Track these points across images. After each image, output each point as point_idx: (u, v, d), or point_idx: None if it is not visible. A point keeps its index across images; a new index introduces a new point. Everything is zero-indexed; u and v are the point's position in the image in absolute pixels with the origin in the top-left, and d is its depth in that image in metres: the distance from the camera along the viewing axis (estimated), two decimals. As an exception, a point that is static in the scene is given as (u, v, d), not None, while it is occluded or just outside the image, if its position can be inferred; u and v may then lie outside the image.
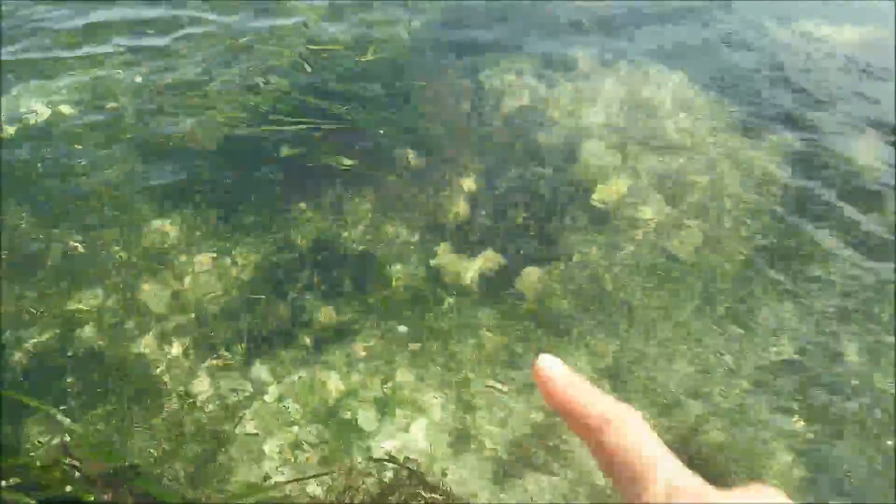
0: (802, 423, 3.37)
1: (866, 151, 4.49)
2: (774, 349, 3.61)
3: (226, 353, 3.58)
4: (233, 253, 4.01)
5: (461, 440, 3.29)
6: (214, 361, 3.55)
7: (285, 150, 4.60)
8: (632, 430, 0.55)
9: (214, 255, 4.00)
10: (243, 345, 3.61)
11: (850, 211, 4.18)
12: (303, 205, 4.30)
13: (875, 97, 4.84)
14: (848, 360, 3.58)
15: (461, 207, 4.31)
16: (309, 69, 5.17)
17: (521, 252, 4.06)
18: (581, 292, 3.85)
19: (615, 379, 3.52)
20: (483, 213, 4.28)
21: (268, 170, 4.51)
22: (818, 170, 4.41)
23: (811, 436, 3.33)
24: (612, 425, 0.55)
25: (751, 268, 3.94)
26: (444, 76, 5.22)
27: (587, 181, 4.44)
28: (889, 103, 4.78)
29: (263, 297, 3.85)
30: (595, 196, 4.34)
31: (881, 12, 5.54)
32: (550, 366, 0.60)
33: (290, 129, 4.70)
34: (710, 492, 0.51)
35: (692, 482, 0.52)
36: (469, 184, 4.45)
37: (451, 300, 3.83)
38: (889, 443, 3.32)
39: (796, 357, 3.58)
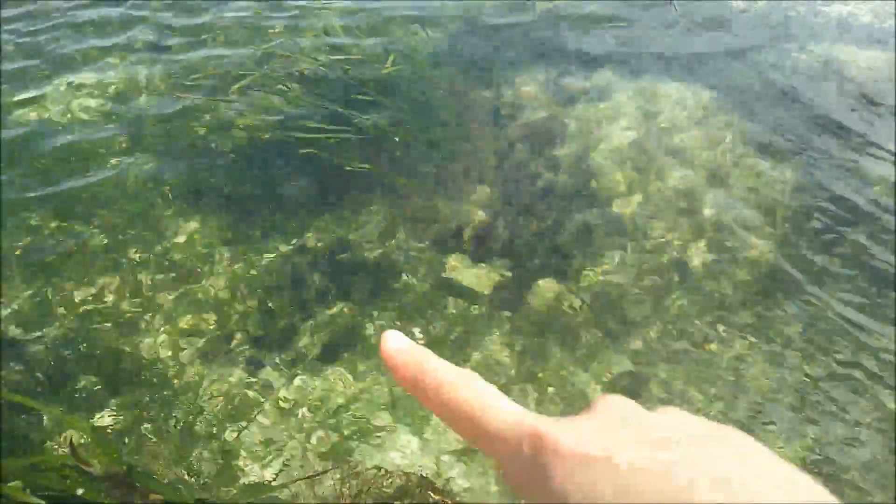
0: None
1: (883, 175, 4.48)
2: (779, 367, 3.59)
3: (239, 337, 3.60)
4: (249, 255, 4.04)
5: (470, 448, 3.28)
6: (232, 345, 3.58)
7: (305, 156, 4.65)
8: (470, 384, 0.56)
9: (231, 256, 4.03)
10: (255, 347, 3.63)
11: (856, 236, 4.16)
12: (320, 209, 4.34)
13: (887, 124, 4.83)
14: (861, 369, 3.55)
15: (476, 217, 4.32)
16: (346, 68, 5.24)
17: (535, 264, 4.07)
18: (594, 307, 3.85)
19: (626, 393, 3.50)
20: (498, 224, 4.29)
21: (287, 175, 4.55)
22: (828, 193, 4.40)
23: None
24: (451, 384, 0.56)
25: (762, 288, 3.93)
26: (464, 88, 5.26)
27: (602, 195, 4.45)
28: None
29: (277, 300, 3.88)
30: (610, 210, 4.35)
31: (878, 35, 5.55)
32: (395, 342, 0.61)
33: (311, 136, 4.75)
34: (561, 421, 0.51)
35: (538, 417, 0.52)
36: (485, 193, 4.47)
37: (462, 310, 3.83)
38: None
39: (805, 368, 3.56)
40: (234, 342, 3.65)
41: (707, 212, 4.31)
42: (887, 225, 4.20)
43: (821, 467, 3.24)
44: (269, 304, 3.84)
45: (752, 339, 3.69)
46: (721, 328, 3.74)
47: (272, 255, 4.05)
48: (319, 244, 4.14)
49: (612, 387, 3.51)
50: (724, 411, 3.43)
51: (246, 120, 4.86)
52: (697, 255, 4.07)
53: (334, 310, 3.82)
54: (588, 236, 4.20)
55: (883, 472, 3.21)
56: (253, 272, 3.97)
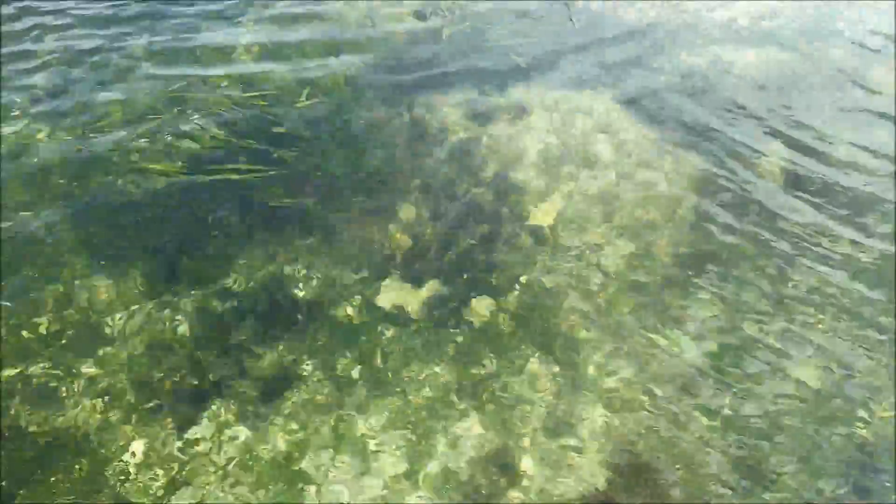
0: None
1: (772, 164, 4.87)
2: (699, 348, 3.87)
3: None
4: (171, 306, 4.02)
5: (419, 480, 3.39)
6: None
7: (225, 196, 4.67)
8: None
9: (153, 308, 4.00)
10: (185, 402, 3.63)
11: (766, 215, 4.52)
12: (245, 250, 4.37)
13: (776, 114, 5.25)
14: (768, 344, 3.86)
15: (406, 240, 4.46)
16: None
17: (467, 279, 4.23)
18: (525, 315, 4.04)
19: (562, 396, 3.70)
20: (428, 244, 4.44)
21: (208, 217, 4.56)
22: (732, 180, 4.75)
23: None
24: None
25: (678, 275, 4.21)
26: (384, 114, 5.40)
27: (526, 206, 4.67)
28: (787, 118, 5.20)
29: (206, 349, 3.88)
30: (533, 220, 4.57)
31: (778, 37, 6.02)
32: None
33: (231, 176, 4.78)
34: None
35: None
36: (414, 216, 4.61)
37: (400, 335, 3.95)
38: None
39: (722, 351, 3.85)
40: (161, 399, 3.62)
41: (620, 212, 4.58)
42: (781, 211, 4.57)
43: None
44: (198, 355, 3.83)
45: (669, 330, 3.96)
46: (646, 316, 4.00)
47: (197, 303, 4.05)
48: (248, 285, 4.17)
49: (549, 392, 3.70)
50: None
51: (160, 164, 4.85)
52: (617, 254, 4.33)
53: (267, 353, 3.85)
54: (513, 248, 4.40)
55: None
56: (177, 322, 3.96)
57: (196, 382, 3.71)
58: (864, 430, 3.58)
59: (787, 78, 5.59)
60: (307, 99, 5.46)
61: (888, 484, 3.41)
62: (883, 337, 3.93)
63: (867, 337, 3.93)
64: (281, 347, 3.87)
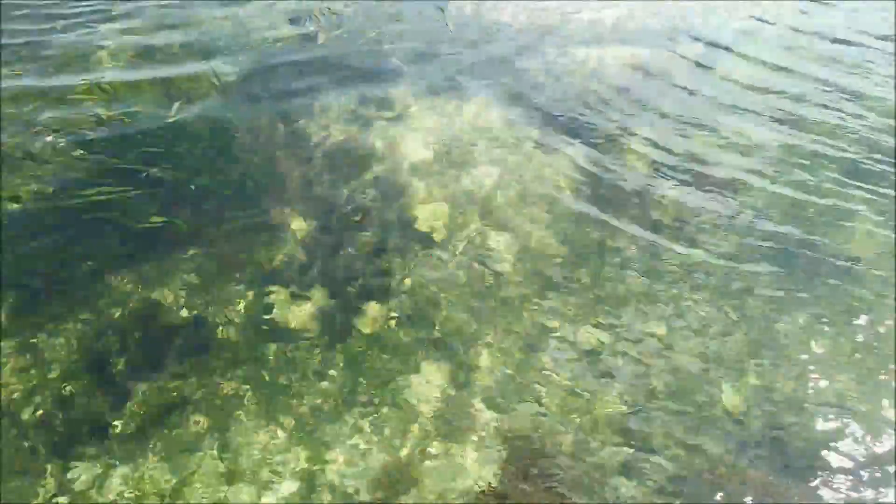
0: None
1: (639, 156, 5.15)
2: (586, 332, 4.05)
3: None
4: (39, 345, 3.77)
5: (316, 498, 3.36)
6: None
7: (94, 219, 4.43)
8: None
9: (16, 350, 3.73)
10: (59, 444, 3.43)
11: (637, 204, 4.77)
12: (119, 276, 4.16)
13: (640, 107, 5.55)
14: (656, 334, 4.09)
15: (292, 252, 4.39)
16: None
17: (356, 287, 4.22)
18: (416, 317, 4.08)
19: (456, 399, 3.76)
20: (315, 254, 4.39)
21: (75, 244, 4.31)
22: (605, 173, 4.98)
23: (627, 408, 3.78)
24: None
25: (560, 268, 4.38)
26: (261, 123, 5.28)
27: (410, 209, 4.70)
28: (650, 111, 5.52)
29: (78, 385, 3.67)
30: (418, 222, 4.61)
31: (639, 36, 6.37)
32: None
33: (97, 198, 4.53)
34: None
35: None
36: (298, 227, 4.54)
37: (289, 349, 3.89)
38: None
39: (613, 339, 4.04)
40: (34, 442, 3.41)
41: (506, 208, 4.71)
42: (650, 199, 4.84)
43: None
44: (70, 391, 3.62)
45: (555, 320, 4.12)
46: (533, 309, 4.13)
47: (67, 337, 3.82)
48: (122, 313, 3.97)
49: (445, 392, 3.75)
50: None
51: (17, 191, 4.53)
52: (504, 250, 4.44)
53: (149, 384, 3.69)
54: (403, 252, 4.42)
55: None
56: (47, 362, 3.72)
57: (72, 419, 3.50)
58: (727, 402, 3.86)
59: (649, 74, 5.92)
60: (178, 112, 5.25)
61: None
62: (748, 314, 4.24)
63: (738, 312, 4.23)
64: (163, 374, 3.72)
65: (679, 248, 4.54)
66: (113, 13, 6.36)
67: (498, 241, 4.52)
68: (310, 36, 6.30)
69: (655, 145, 5.22)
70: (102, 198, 4.52)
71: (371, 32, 6.34)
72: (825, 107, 5.63)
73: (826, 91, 5.81)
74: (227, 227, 4.50)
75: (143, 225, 4.40)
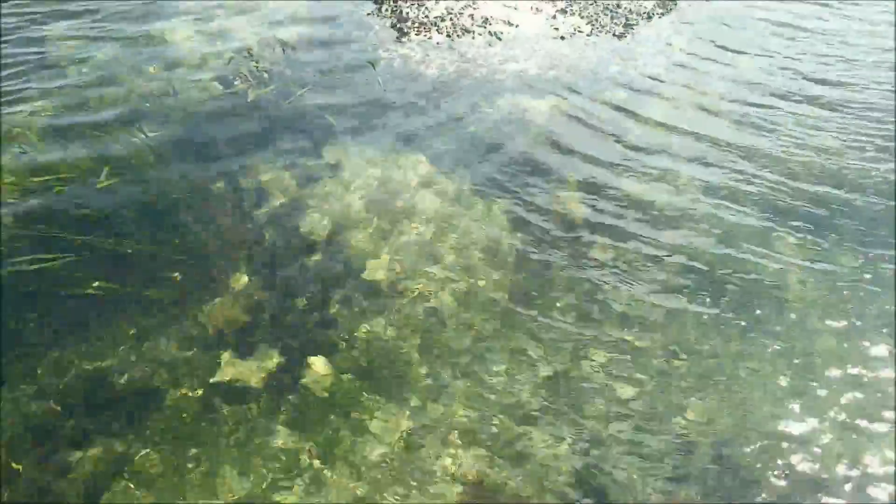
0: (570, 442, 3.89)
1: (573, 201, 5.36)
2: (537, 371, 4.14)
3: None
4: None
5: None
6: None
7: (28, 291, 4.26)
8: None
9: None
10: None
11: (572, 247, 4.95)
12: (58, 346, 4.00)
13: (568, 154, 5.80)
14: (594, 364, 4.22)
15: (238, 311, 4.32)
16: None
17: (304, 344, 4.19)
18: (366, 370, 4.07)
19: (413, 450, 3.77)
20: (261, 312, 4.34)
21: (10, 316, 4.13)
22: (541, 217, 5.15)
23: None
24: None
25: (505, 310, 4.48)
26: (197, 185, 5.22)
27: (355, 262, 4.72)
28: (578, 158, 5.77)
29: (21, 459, 3.49)
30: (365, 275, 4.63)
31: (563, 84, 6.67)
32: None
33: (27, 268, 4.37)
34: None
35: None
36: (243, 285, 4.48)
37: (239, 413, 3.80)
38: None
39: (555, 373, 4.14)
40: None
41: (448, 259, 4.79)
42: (583, 242, 5.03)
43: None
44: (12, 466, 3.44)
45: (504, 364, 4.20)
46: (482, 353, 4.19)
47: (5, 410, 3.64)
48: (63, 384, 3.81)
49: (398, 444, 3.75)
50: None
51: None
52: (448, 297, 4.51)
53: (92, 456, 3.54)
54: (349, 305, 4.43)
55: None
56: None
57: (14, 490, 3.31)
58: (684, 430, 4.00)
59: (575, 120, 6.20)
60: (108, 178, 5.13)
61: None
62: (683, 354, 4.43)
63: (677, 349, 4.41)
64: (107, 446, 3.57)
65: (617, 286, 4.72)
66: (37, 79, 6.21)
67: (445, 288, 4.59)
68: (239, 94, 6.31)
69: (587, 188, 5.44)
70: (35, 267, 4.36)
71: (301, 89, 6.40)
72: (737, 147, 6.02)
73: (739, 132, 6.20)
74: (166, 289, 4.40)
75: (80, 292, 4.26)
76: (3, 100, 5.92)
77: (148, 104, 6.03)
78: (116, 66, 6.55)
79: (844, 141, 6.13)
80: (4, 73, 6.27)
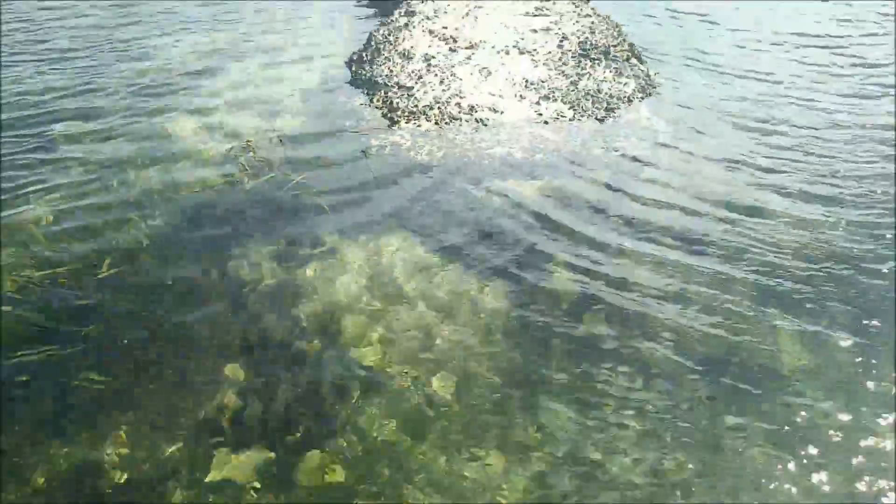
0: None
1: (563, 281, 5.49)
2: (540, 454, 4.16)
3: None
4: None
5: None
6: None
7: (20, 383, 4.33)
8: None
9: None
10: None
11: (564, 329, 5.04)
12: (50, 440, 4.04)
13: (559, 235, 5.98)
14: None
15: (231, 402, 4.38)
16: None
17: (297, 437, 4.22)
18: (361, 463, 4.09)
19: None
20: (254, 402, 4.39)
21: (3, 408, 4.19)
22: (532, 302, 5.27)
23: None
24: None
25: (500, 395, 4.53)
26: (193, 272, 5.37)
27: (348, 348, 4.81)
28: (568, 238, 5.94)
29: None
30: (358, 361, 4.71)
31: (549, 166, 6.93)
32: None
33: (28, 358, 4.46)
34: None
35: None
36: (235, 376, 4.56)
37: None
38: None
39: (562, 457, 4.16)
40: None
41: (440, 342, 4.88)
42: (575, 325, 5.13)
43: None
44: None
45: (500, 454, 4.22)
46: (480, 441, 4.22)
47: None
48: (56, 481, 3.84)
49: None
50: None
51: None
52: (443, 384, 4.57)
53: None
54: (342, 394, 4.49)
55: None
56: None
57: None
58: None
59: (562, 201, 6.41)
60: (108, 269, 5.30)
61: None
62: (698, 434, 4.45)
63: (672, 431, 4.43)
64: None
65: (613, 367, 4.77)
66: (42, 175, 6.46)
67: (440, 373, 4.66)
68: (237, 183, 6.55)
69: (577, 269, 5.57)
70: (32, 358, 4.45)
71: (296, 176, 6.65)
72: (725, 226, 6.19)
73: (727, 211, 6.36)
74: (160, 381, 4.47)
75: (74, 384, 4.33)
76: (8, 196, 6.14)
77: (149, 196, 6.26)
78: (120, 159, 6.83)
79: (836, 216, 6.26)
80: (11, 171, 6.53)
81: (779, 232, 6.06)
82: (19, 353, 4.51)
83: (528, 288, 5.40)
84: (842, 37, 10.86)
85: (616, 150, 7.21)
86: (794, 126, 7.84)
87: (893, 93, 8.80)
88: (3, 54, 9.54)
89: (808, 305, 5.29)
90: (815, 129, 7.81)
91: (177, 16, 11.49)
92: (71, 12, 11.50)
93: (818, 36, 10.91)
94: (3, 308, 4.86)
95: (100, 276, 5.20)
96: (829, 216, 6.26)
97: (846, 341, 4.98)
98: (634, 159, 7.08)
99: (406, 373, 4.66)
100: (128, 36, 10.45)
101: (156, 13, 11.58)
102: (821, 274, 5.58)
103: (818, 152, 7.30)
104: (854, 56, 10.02)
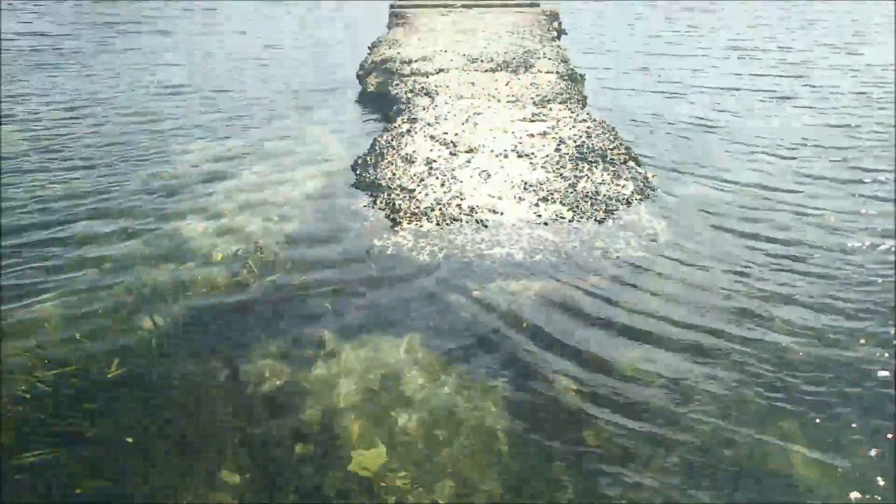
0: None
1: (566, 387, 5.53)
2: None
3: None
4: None
5: None
6: None
7: (28, 484, 4.32)
8: None
9: None
10: None
11: (570, 433, 5.03)
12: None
13: (560, 339, 6.05)
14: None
15: (227, 508, 4.35)
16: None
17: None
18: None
19: None
20: (251, 509, 4.36)
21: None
22: (537, 405, 5.29)
23: None
24: None
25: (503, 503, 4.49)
26: (199, 372, 5.43)
27: (349, 454, 4.79)
28: (570, 340, 6.02)
29: None
30: (359, 469, 4.68)
31: (548, 267, 7.10)
32: None
33: (30, 460, 4.47)
34: None
35: None
36: (234, 480, 4.53)
37: None
38: None
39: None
40: None
41: (443, 450, 4.86)
42: (582, 428, 5.12)
43: None
44: None
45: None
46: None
47: None
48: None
49: None
50: None
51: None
52: (443, 494, 4.53)
53: None
54: (344, 499, 4.45)
55: None
56: None
57: None
58: None
59: (562, 304, 6.52)
60: (117, 368, 5.38)
61: None
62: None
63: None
64: None
65: (618, 475, 4.73)
66: (54, 275, 6.65)
67: (444, 484, 4.62)
68: (243, 284, 6.72)
69: (580, 374, 5.59)
70: (37, 459, 4.45)
71: (300, 278, 6.82)
72: (728, 335, 6.26)
73: (729, 319, 6.45)
74: (161, 483, 4.45)
75: (75, 489, 4.31)
76: (23, 294, 6.31)
77: (159, 296, 6.42)
78: (133, 260, 7.06)
79: (842, 326, 6.29)
80: (28, 269, 6.73)
81: (786, 343, 6.05)
82: (25, 455, 4.52)
83: (530, 396, 5.40)
84: (842, 148, 11.29)
85: (616, 253, 7.37)
86: (794, 232, 8.05)
87: (893, 198, 9.10)
88: (29, 160, 9.99)
89: (821, 422, 5.20)
90: (817, 236, 8.01)
91: (192, 124, 12.09)
92: (93, 121, 12.11)
93: (818, 145, 11.37)
94: (14, 408, 4.91)
95: (109, 376, 5.27)
96: (835, 326, 6.29)
97: (862, 459, 4.91)
98: (634, 263, 7.23)
99: (404, 482, 4.62)
100: (146, 143, 10.97)
101: (171, 120, 12.18)
102: (833, 389, 5.52)
103: (820, 261, 7.44)
104: (854, 166, 10.40)
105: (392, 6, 21.57)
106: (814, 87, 15.67)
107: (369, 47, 16.42)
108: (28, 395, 5.08)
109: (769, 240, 7.89)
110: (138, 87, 14.85)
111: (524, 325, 6.21)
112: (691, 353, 5.89)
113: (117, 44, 19.65)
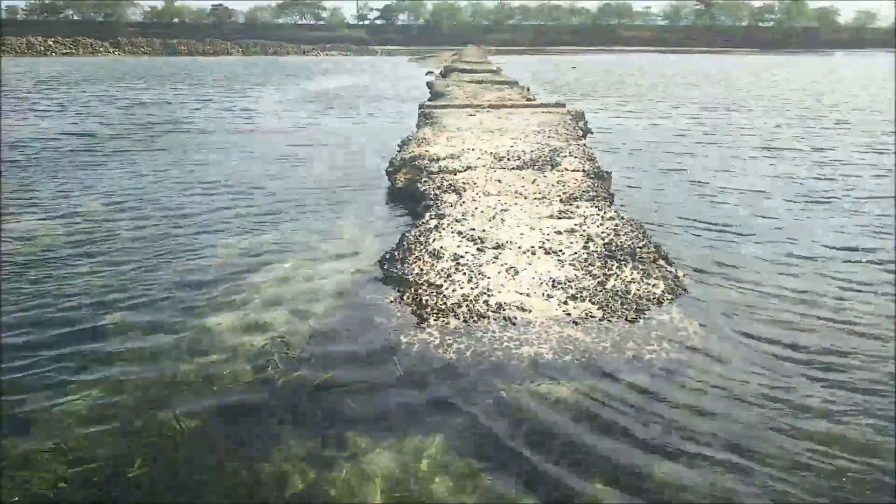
0: None
1: (600, 494, 5.28)
2: None
3: None
4: None
5: None
6: None
7: None
8: None
9: None
10: None
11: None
12: None
13: (595, 446, 5.83)
14: None
15: None
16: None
17: None
18: None
19: None
20: None
21: None
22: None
23: None
24: None
25: None
26: (222, 471, 5.29)
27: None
28: (604, 451, 5.79)
29: None
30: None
31: (584, 371, 6.94)
32: None
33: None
34: None
35: None
36: None
37: None
38: None
39: None
40: None
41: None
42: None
43: None
44: None
45: None
46: None
47: None
48: None
49: None
50: None
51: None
52: None
53: None
54: None
55: None
56: None
57: None
58: None
59: (595, 406, 6.31)
60: (140, 467, 5.27)
61: None
62: None
63: None
64: None
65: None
66: (81, 371, 6.68)
67: None
68: (268, 380, 6.66)
69: (614, 481, 5.29)
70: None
71: (325, 375, 6.75)
72: (775, 445, 6.00)
73: (774, 429, 6.20)
74: None
75: None
76: (51, 387, 6.32)
77: (184, 392, 6.37)
78: (160, 354, 7.07)
79: (884, 429, 6.02)
80: (58, 364, 6.78)
81: (829, 450, 5.71)
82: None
83: (561, 500, 5.16)
84: (874, 249, 11.12)
85: (649, 354, 7.19)
86: (834, 341, 7.80)
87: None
88: (66, 253, 10.27)
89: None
90: (858, 345, 7.74)
91: (226, 219, 12.41)
92: (131, 216, 12.51)
93: (853, 248, 11.20)
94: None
95: (130, 476, 5.16)
96: (878, 441, 5.95)
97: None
98: (668, 365, 7.02)
99: None
100: (182, 237, 11.25)
101: (206, 214, 12.52)
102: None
103: (863, 373, 7.12)
104: (892, 269, 10.17)
105: (421, 106, 22.43)
106: (849, 188, 15.63)
107: (399, 145, 16.95)
108: (50, 494, 4.97)
109: (805, 350, 7.63)
110: (177, 183, 15.40)
111: (554, 427, 5.99)
112: (725, 468, 5.57)
113: (159, 143, 20.56)
